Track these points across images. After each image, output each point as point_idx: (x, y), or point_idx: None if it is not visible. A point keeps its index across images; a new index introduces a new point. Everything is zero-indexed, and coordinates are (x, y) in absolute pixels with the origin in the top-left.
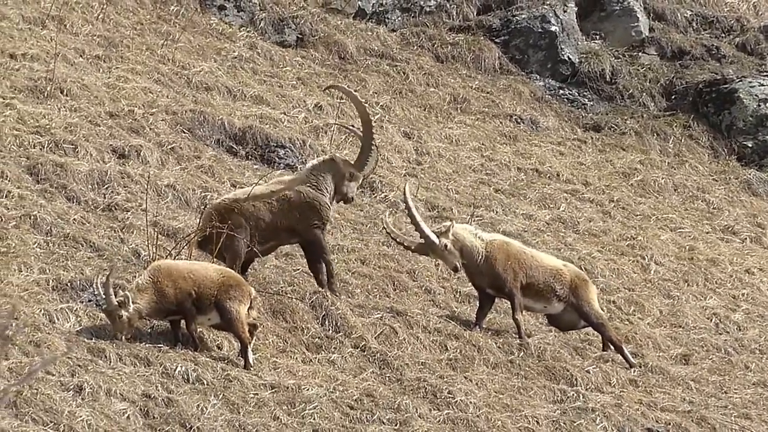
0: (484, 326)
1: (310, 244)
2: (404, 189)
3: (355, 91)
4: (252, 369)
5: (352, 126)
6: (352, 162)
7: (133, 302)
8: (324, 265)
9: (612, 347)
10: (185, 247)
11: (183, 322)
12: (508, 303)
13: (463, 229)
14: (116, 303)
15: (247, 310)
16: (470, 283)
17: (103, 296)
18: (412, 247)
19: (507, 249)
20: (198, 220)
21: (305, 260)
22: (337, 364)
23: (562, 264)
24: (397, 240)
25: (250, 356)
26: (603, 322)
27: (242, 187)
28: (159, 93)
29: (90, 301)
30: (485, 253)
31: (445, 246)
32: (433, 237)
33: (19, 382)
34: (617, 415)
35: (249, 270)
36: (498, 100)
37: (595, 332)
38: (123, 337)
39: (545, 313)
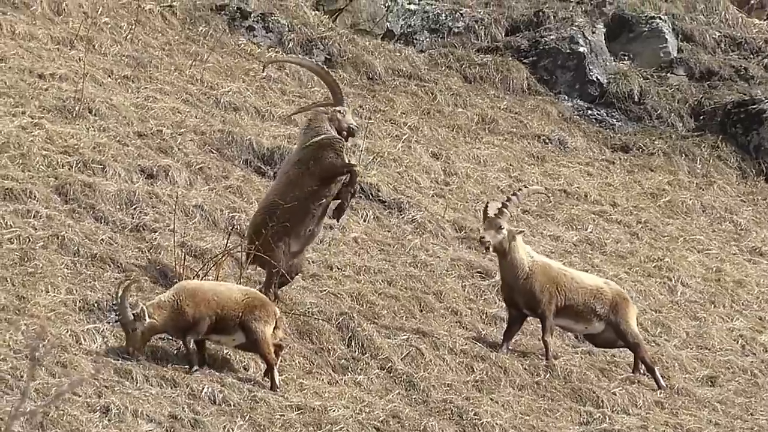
0: (510, 347)
1: (327, 172)
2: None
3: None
4: (279, 390)
5: (304, 105)
6: (331, 104)
7: (149, 317)
8: (351, 190)
9: (645, 368)
10: (212, 267)
11: (206, 342)
12: (538, 324)
13: (522, 242)
14: (131, 316)
15: (273, 331)
16: (503, 301)
17: (119, 307)
18: (487, 213)
19: (548, 271)
20: (226, 240)
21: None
22: (363, 385)
23: (603, 282)
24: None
25: (277, 377)
26: (639, 342)
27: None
28: (187, 113)
29: (117, 321)
30: (528, 271)
31: (500, 227)
32: (503, 218)
33: (47, 403)
34: None
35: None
36: (526, 120)
37: (627, 352)
38: (135, 351)
39: (585, 333)
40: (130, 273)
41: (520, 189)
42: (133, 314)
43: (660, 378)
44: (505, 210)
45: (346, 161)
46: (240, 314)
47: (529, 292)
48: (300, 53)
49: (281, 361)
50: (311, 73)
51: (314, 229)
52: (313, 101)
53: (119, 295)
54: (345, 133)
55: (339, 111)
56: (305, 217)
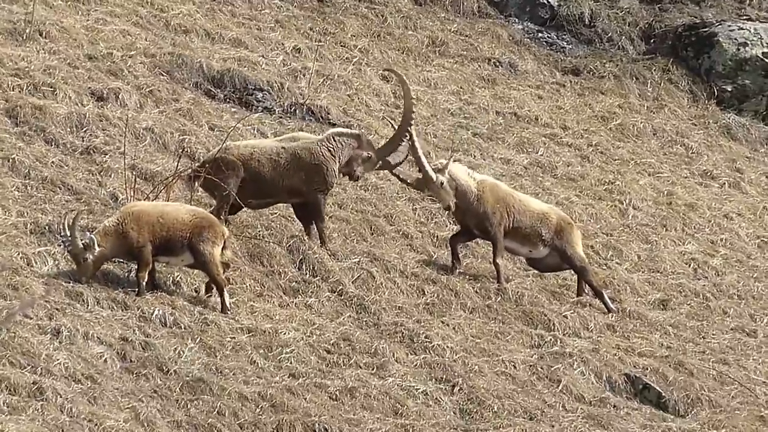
0: (461, 271)
1: (309, 206)
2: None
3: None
4: (229, 312)
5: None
6: (377, 147)
7: (98, 245)
8: (317, 230)
9: (592, 292)
10: (162, 190)
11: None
12: (488, 247)
13: (458, 167)
14: (81, 246)
15: (222, 251)
16: (456, 223)
17: (69, 238)
18: (408, 181)
19: (497, 191)
20: (176, 163)
21: (295, 216)
22: (314, 308)
23: (548, 208)
24: (393, 172)
25: (227, 299)
26: (585, 266)
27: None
28: (138, 36)
29: (67, 252)
30: (477, 193)
31: (442, 183)
32: (432, 173)
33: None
34: (595, 360)
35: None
36: (476, 43)
37: (574, 276)
38: (87, 280)
39: (530, 257)
40: (80, 198)
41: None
42: (83, 244)
43: (609, 302)
44: (427, 167)
45: (324, 216)
46: (188, 235)
47: (481, 214)
48: None
49: (232, 284)
50: (403, 100)
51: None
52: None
53: (68, 226)
54: (347, 170)
55: (370, 157)
56: (258, 193)
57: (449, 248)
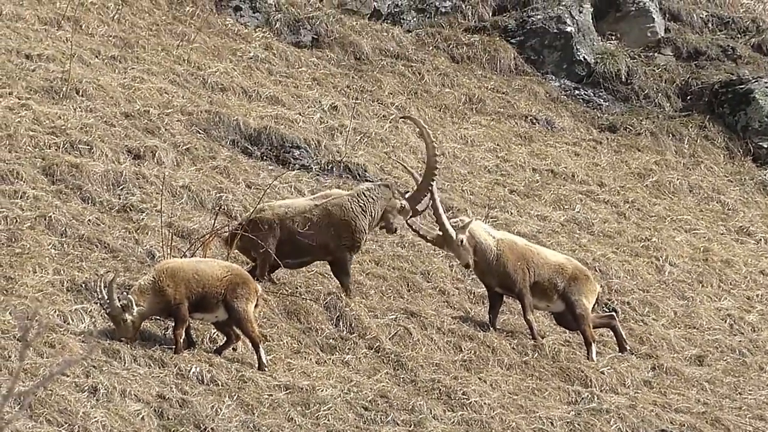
0: (498, 327)
1: (335, 263)
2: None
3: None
4: (266, 369)
5: (412, 168)
6: (407, 196)
7: (136, 305)
8: (342, 286)
9: (583, 340)
10: (199, 248)
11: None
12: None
13: (478, 226)
14: (119, 307)
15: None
16: (480, 280)
17: (107, 300)
18: (428, 237)
19: (516, 248)
20: (213, 221)
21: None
22: (351, 365)
23: (565, 258)
24: (414, 227)
25: (263, 355)
26: (585, 315)
27: (286, 198)
28: (174, 93)
29: (107, 314)
30: (496, 251)
31: (462, 241)
32: (452, 231)
33: (39, 384)
34: (631, 416)
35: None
36: (513, 100)
37: (611, 332)
38: (129, 341)
39: (549, 311)
40: (117, 256)
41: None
42: (121, 305)
43: (594, 354)
44: (447, 224)
45: (349, 273)
46: (222, 291)
47: (502, 273)
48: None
49: (270, 341)
50: (426, 152)
51: (292, 263)
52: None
53: (106, 289)
54: (383, 224)
55: (403, 206)
56: (294, 252)
57: (489, 320)
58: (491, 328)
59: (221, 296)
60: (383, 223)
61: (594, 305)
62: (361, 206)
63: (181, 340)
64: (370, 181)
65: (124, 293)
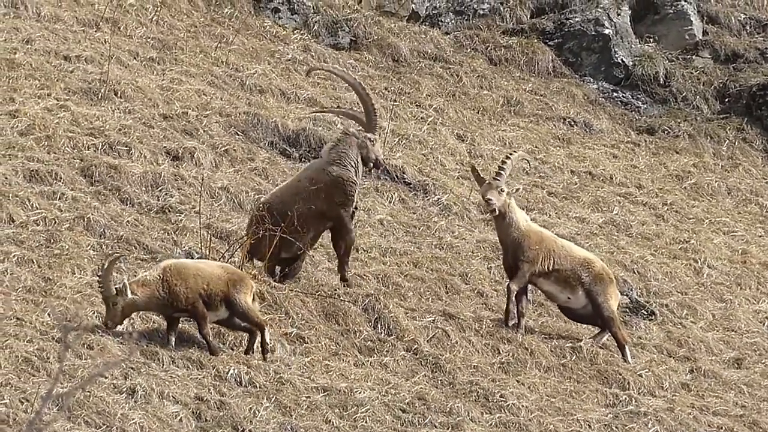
0: (536, 330)
1: (335, 224)
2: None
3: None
4: (270, 355)
5: (334, 107)
6: (364, 128)
7: (132, 293)
8: (343, 247)
9: (617, 344)
10: (238, 249)
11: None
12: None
13: (517, 206)
14: (114, 290)
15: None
16: (505, 270)
17: (101, 280)
18: (479, 174)
19: (540, 235)
20: (250, 223)
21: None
22: (389, 367)
23: (594, 256)
24: (475, 168)
25: (268, 337)
26: (614, 318)
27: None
28: (213, 95)
29: (99, 293)
30: (523, 231)
31: (501, 189)
32: (502, 180)
33: (78, 386)
34: (669, 419)
35: (302, 272)
36: (551, 102)
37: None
38: (112, 326)
39: (567, 305)
40: (155, 257)
41: (510, 155)
42: (116, 289)
43: (629, 356)
44: (502, 172)
45: (351, 231)
46: (223, 289)
47: (518, 246)
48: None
49: (308, 342)
50: (352, 90)
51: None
52: (340, 106)
53: (104, 268)
54: (371, 164)
55: (369, 139)
56: (295, 234)
57: (516, 322)
58: (520, 330)
59: (222, 294)
60: (370, 164)
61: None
62: (338, 163)
63: (211, 339)
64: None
65: (124, 278)
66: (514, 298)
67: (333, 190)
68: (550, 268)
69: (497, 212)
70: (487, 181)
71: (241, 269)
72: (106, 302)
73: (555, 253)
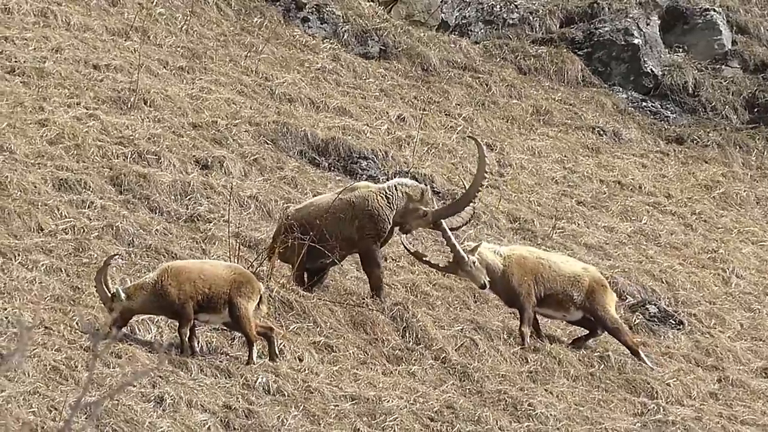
0: (563, 339)
1: (363, 255)
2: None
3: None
4: (254, 364)
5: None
6: (438, 206)
7: (127, 298)
8: (372, 279)
9: (630, 352)
10: (267, 258)
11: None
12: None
13: (485, 248)
14: (107, 294)
15: (257, 305)
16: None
17: (96, 286)
18: (440, 266)
19: (524, 263)
20: (279, 232)
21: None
22: (417, 375)
23: (581, 269)
24: (423, 259)
25: (254, 354)
26: (618, 327)
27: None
28: (242, 104)
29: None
30: (502, 268)
31: (474, 263)
32: (464, 254)
33: (108, 395)
34: (697, 428)
35: (330, 281)
36: (580, 112)
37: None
38: (112, 329)
39: (565, 320)
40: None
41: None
42: (111, 294)
43: (646, 359)
44: (460, 250)
45: (379, 264)
46: (228, 291)
47: (508, 289)
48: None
49: (336, 351)
50: (476, 173)
51: (326, 263)
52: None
53: (97, 273)
54: (401, 221)
55: (424, 212)
56: (322, 252)
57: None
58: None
59: (227, 296)
60: (401, 220)
61: None
62: (387, 198)
63: (186, 339)
64: (413, 179)
65: (119, 284)
66: (528, 332)
67: (366, 221)
68: (542, 294)
69: (487, 284)
70: (454, 268)
71: (270, 278)
72: (104, 306)
73: (543, 278)
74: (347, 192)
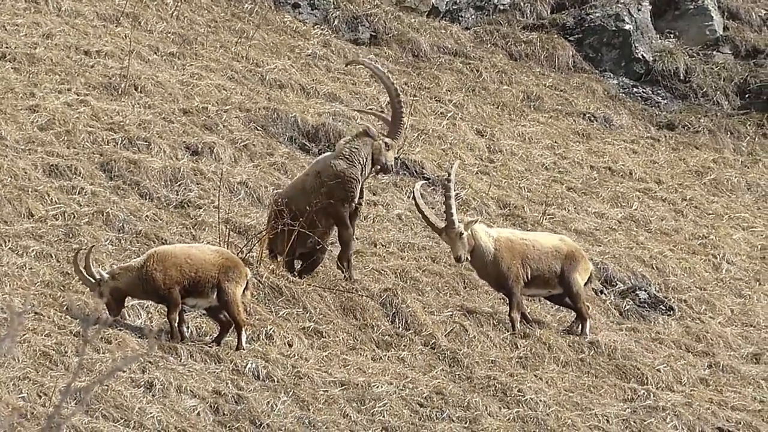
0: (554, 324)
1: (334, 220)
2: (453, 167)
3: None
4: (243, 349)
5: (371, 109)
6: (386, 132)
7: (112, 277)
8: (343, 242)
9: (577, 316)
10: (257, 244)
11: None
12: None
13: (480, 228)
14: (93, 280)
15: (243, 292)
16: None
17: (78, 275)
18: (433, 223)
19: (512, 247)
20: (269, 217)
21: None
22: (406, 361)
23: (559, 239)
24: (421, 209)
25: (244, 339)
26: (579, 293)
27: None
28: (232, 90)
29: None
30: (494, 251)
31: (461, 235)
32: (457, 222)
33: (98, 380)
34: (688, 414)
35: (319, 267)
36: (571, 98)
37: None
38: (110, 312)
39: (550, 295)
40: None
41: (447, 183)
42: (96, 279)
43: (588, 330)
44: (452, 211)
45: (348, 227)
46: (216, 275)
47: (497, 273)
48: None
49: (325, 337)
50: (385, 88)
51: (314, 244)
52: (377, 109)
53: (75, 262)
54: (378, 167)
55: (386, 144)
56: (309, 228)
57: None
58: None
59: (215, 281)
60: (377, 167)
61: (586, 283)
62: (346, 158)
63: (176, 325)
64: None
65: (105, 267)
66: (518, 318)
67: (333, 186)
68: (530, 276)
69: (464, 259)
70: (442, 230)
71: (260, 264)
72: (92, 293)
73: (529, 258)
74: (314, 165)
